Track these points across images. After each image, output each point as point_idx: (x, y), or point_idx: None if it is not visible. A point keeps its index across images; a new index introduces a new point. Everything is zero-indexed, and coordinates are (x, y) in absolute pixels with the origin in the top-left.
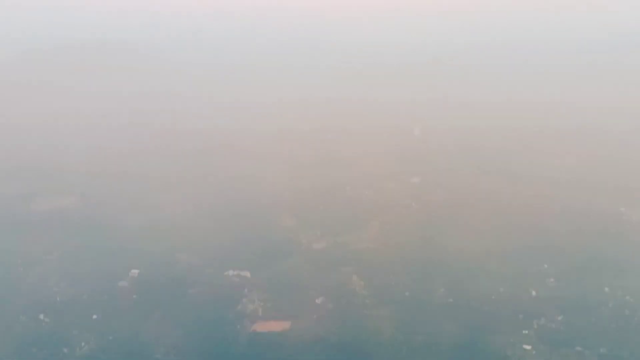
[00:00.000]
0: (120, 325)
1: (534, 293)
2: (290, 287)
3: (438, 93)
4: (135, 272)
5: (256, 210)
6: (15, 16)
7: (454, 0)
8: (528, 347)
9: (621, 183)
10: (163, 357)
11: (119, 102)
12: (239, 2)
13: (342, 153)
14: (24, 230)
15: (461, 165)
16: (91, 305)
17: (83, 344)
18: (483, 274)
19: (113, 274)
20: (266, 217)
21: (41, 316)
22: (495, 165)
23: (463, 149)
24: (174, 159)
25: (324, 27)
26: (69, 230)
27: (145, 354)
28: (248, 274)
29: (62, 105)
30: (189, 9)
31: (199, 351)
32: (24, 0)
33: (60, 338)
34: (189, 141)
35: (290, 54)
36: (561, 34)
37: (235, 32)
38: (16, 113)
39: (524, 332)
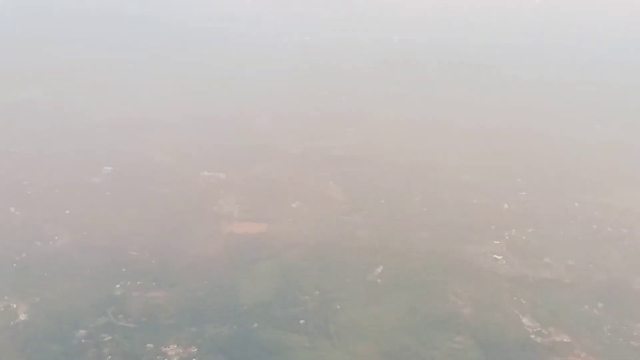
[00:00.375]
0: (93, 221)
1: (506, 206)
2: (266, 190)
3: None
4: (108, 169)
5: (234, 114)
6: None
7: None
8: (499, 257)
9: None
10: (139, 254)
11: None
12: None
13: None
14: None
15: (441, 77)
16: (63, 200)
17: (56, 237)
18: (458, 185)
19: (85, 170)
20: (243, 121)
21: (12, 209)
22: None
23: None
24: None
25: None
26: (38, 122)
27: (120, 250)
28: (223, 176)
29: None
30: None
31: (175, 249)
32: None
33: (33, 232)
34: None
35: None
36: None
37: None
38: None
39: (495, 242)
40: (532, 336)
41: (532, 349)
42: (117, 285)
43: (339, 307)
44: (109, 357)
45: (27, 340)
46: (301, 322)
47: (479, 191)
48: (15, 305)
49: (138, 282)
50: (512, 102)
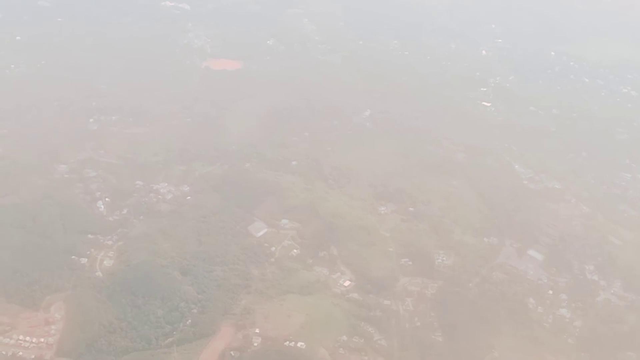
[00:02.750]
0: (50, 49)
1: (484, 52)
2: (238, 25)
3: None
4: None
5: None
6: None
7: None
8: (487, 104)
9: None
10: (108, 88)
11: None
12: None
13: None
14: None
15: None
16: (12, 23)
17: (12, 66)
18: (432, 27)
19: None
20: None
21: None
22: None
23: None
24: None
25: None
26: None
27: (86, 83)
28: (187, 6)
29: None
30: None
31: (147, 84)
32: None
33: None
34: None
35: None
36: None
37: None
38: None
39: (482, 89)
40: (525, 182)
41: (526, 195)
42: (91, 120)
43: (329, 149)
44: (98, 193)
45: (8, 174)
46: (293, 163)
47: (455, 36)
48: None
49: (113, 117)
50: None
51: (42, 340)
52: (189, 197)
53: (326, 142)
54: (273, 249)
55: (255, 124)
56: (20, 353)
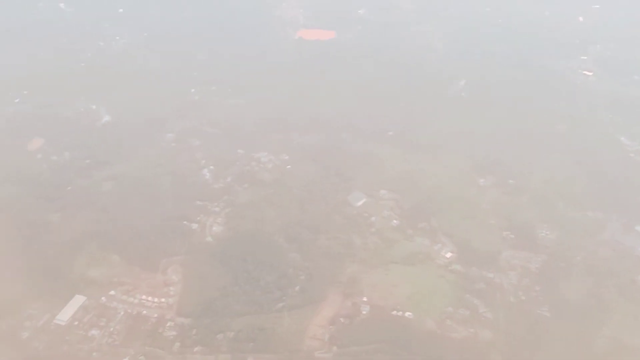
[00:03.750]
0: (152, 21)
1: (580, 19)
2: None
3: None
4: None
5: None
6: None
7: None
8: (589, 73)
9: None
10: (207, 59)
11: None
12: None
13: None
14: None
15: None
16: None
17: (117, 37)
18: None
19: None
20: None
21: (61, 5)
22: None
23: None
24: None
25: None
26: None
27: (188, 54)
28: None
29: None
30: None
31: (245, 55)
32: None
33: (92, 31)
34: None
35: None
36: None
37: None
38: None
39: (582, 57)
40: (632, 155)
41: (633, 168)
42: (192, 90)
43: (425, 119)
44: (203, 161)
45: (120, 140)
46: (390, 133)
47: (549, 3)
48: (94, 107)
49: (213, 88)
50: None
51: (162, 300)
52: (289, 166)
53: (422, 113)
54: (373, 219)
55: (349, 94)
56: (145, 312)
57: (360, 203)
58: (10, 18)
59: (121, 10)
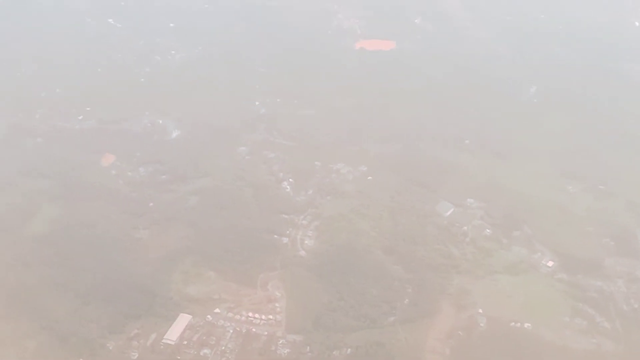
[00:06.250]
0: (206, 34)
1: (637, 24)
2: (381, 5)
3: None
4: None
5: None
6: None
7: None
8: None
9: None
10: (267, 70)
11: None
12: None
13: None
14: None
15: None
16: (163, 11)
17: (173, 52)
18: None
19: None
20: None
21: (110, 21)
22: None
23: None
24: None
25: None
26: None
27: (248, 64)
28: None
29: None
30: None
31: (306, 64)
32: None
33: (146, 45)
34: None
35: None
36: None
37: None
38: None
39: None
40: None
41: None
42: (257, 102)
43: (500, 126)
44: (281, 173)
45: (193, 154)
46: (466, 141)
47: (602, 9)
48: (160, 121)
49: (278, 100)
50: None
51: (270, 317)
52: (369, 177)
53: (495, 119)
54: (465, 228)
55: (419, 103)
56: (254, 329)
57: (448, 213)
58: (60, 35)
59: (172, 24)
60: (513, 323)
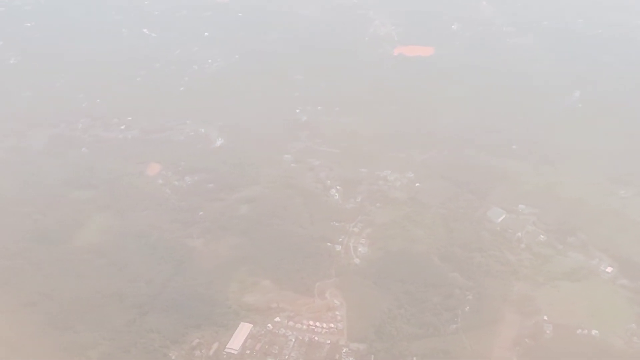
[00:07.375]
0: (239, 42)
1: None
2: (417, 11)
3: None
4: None
5: None
6: None
7: None
8: None
9: None
10: (305, 79)
11: None
12: None
13: None
14: None
15: None
16: (195, 21)
17: (209, 60)
18: (612, 3)
19: None
20: None
21: (145, 30)
22: None
23: None
24: None
25: None
26: None
27: (285, 73)
28: None
29: None
30: None
31: (344, 73)
32: None
33: (182, 55)
34: None
35: None
36: None
37: None
38: None
39: None
40: None
41: None
42: (298, 110)
43: (547, 132)
44: (328, 181)
45: (239, 162)
46: (514, 147)
47: (634, 13)
48: (203, 130)
49: (319, 107)
50: None
51: (331, 325)
52: (417, 184)
53: (541, 125)
54: (519, 234)
55: (462, 108)
56: (316, 338)
57: (500, 219)
58: (98, 46)
59: (207, 34)
60: (580, 330)
